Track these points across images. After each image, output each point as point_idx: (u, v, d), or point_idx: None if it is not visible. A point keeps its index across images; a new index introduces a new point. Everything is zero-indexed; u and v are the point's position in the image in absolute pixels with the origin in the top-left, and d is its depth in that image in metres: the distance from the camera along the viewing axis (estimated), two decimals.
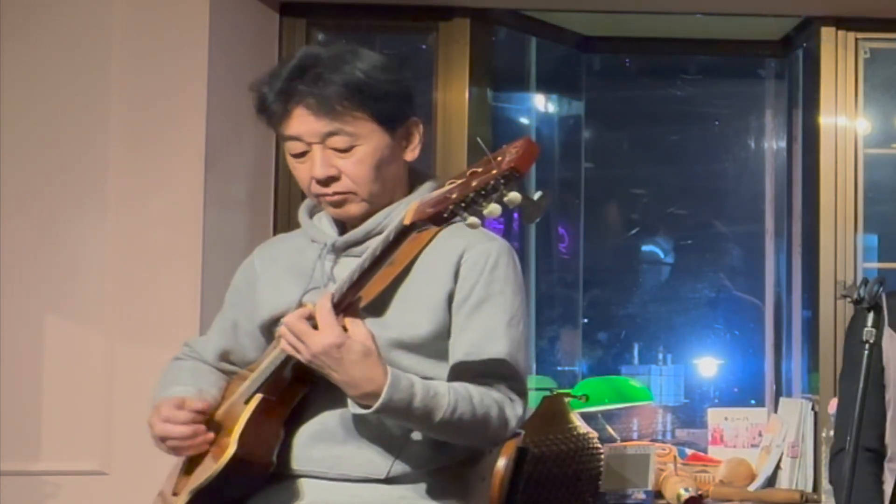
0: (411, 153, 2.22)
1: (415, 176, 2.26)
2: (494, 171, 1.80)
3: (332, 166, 2.13)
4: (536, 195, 1.89)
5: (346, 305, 2.00)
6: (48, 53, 3.26)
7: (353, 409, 2.04)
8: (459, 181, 1.84)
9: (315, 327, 1.99)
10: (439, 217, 1.87)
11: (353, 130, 2.12)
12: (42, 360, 3.25)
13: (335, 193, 2.16)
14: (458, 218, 1.85)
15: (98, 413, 3.23)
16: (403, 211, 1.95)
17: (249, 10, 3.56)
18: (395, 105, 2.16)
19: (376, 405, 1.99)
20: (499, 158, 1.81)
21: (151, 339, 3.24)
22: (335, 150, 2.13)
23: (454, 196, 1.83)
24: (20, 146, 3.25)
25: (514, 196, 1.81)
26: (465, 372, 2.13)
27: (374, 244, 1.98)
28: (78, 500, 3.22)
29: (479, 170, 1.83)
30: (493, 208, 1.82)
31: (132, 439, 3.17)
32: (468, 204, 1.83)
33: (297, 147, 2.15)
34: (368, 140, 2.13)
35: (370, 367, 1.98)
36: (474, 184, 1.81)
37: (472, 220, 1.84)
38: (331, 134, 2.12)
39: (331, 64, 2.11)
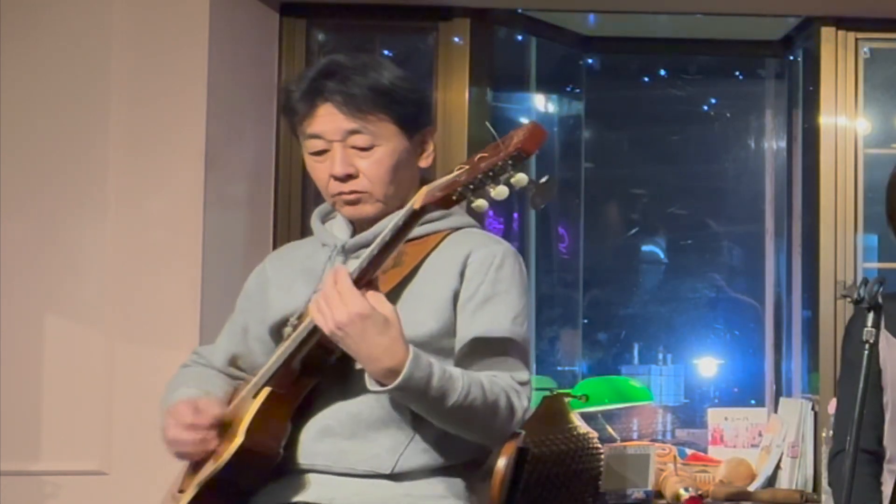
0: (425, 160, 2.27)
1: (429, 181, 2.29)
2: (502, 153, 1.85)
3: (351, 164, 2.18)
4: (543, 179, 1.92)
5: (363, 284, 2.02)
6: (48, 53, 3.26)
7: (371, 385, 2.03)
8: (468, 165, 1.89)
9: None
10: (448, 199, 1.91)
11: (374, 130, 2.17)
12: (42, 360, 3.25)
13: (352, 192, 2.20)
14: (466, 200, 1.89)
15: (98, 413, 3.23)
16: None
17: (249, 10, 3.56)
18: (416, 111, 2.23)
19: (397, 381, 1.98)
20: (506, 142, 1.86)
21: (151, 339, 3.24)
22: (356, 148, 2.18)
23: (463, 178, 1.88)
24: (20, 146, 3.25)
25: (520, 177, 1.86)
26: (470, 361, 2.14)
27: (384, 232, 2.01)
28: (78, 500, 3.22)
29: (487, 154, 1.87)
30: (501, 190, 1.86)
31: (132, 439, 3.17)
32: (476, 186, 1.87)
33: (317, 145, 2.20)
34: (388, 142, 2.18)
35: (393, 341, 1.99)
36: (483, 166, 1.86)
37: (479, 201, 1.88)
38: (353, 132, 2.17)
39: (357, 69, 2.18)
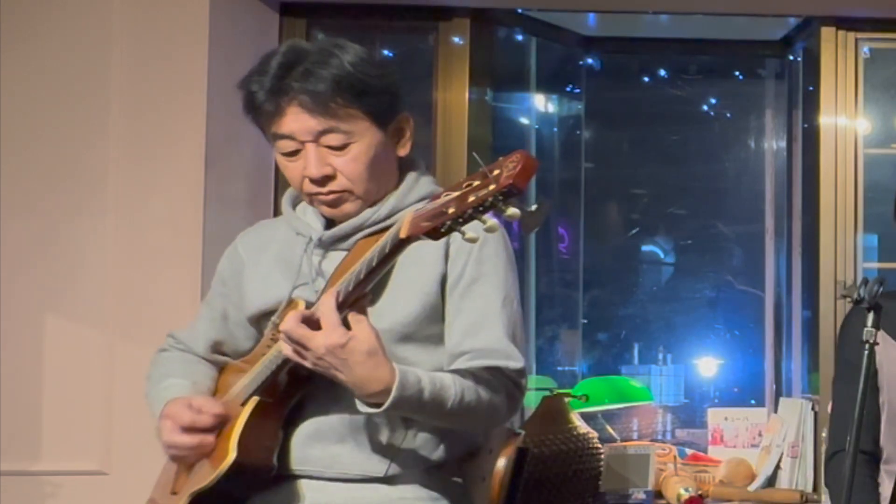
0: (403, 149, 2.19)
1: (400, 164, 2.23)
2: (493, 187, 1.75)
3: (326, 165, 2.11)
4: (533, 206, 1.83)
5: (349, 304, 1.96)
6: (48, 54, 3.26)
7: (361, 408, 2.00)
8: (456, 194, 1.80)
9: (315, 328, 1.96)
10: (436, 232, 1.83)
11: (347, 128, 2.09)
12: (42, 360, 3.25)
13: (330, 192, 2.13)
14: (455, 233, 1.82)
15: (98, 413, 3.23)
16: (393, 206, 1.95)
17: (249, 10, 3.55)
18: (387, 101, 2.13)
19: (386, 404, 1.96)
20: (496, 172, 1.76)
21: (151, 339, 3.20)
22: (329, 147, 2.10)
23: (451, 211, 1.79)
24: (21, 146, 3.25)
25: (513, 212, 1.77)
26: (462, 353, 2.10)
27: (369, 255, 1.95)
28: (78, 500, 3.22)
29: (477, 183, 1.78)
30: (493, 224, 1.80)
31: (132, 439, 3.17)
32: (465, 220, 1.80)
33: (288, 146, 2.12)
34: (362, 138, 2.11)
35: (376, 367, 1.95)
36: (471, 199, 1.77)
37: (471, 234, 1.81)
38: (325, 132, 2.09)
39: (318, 58, 2.08)
